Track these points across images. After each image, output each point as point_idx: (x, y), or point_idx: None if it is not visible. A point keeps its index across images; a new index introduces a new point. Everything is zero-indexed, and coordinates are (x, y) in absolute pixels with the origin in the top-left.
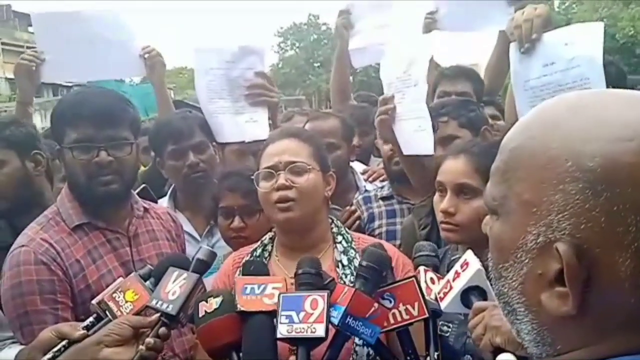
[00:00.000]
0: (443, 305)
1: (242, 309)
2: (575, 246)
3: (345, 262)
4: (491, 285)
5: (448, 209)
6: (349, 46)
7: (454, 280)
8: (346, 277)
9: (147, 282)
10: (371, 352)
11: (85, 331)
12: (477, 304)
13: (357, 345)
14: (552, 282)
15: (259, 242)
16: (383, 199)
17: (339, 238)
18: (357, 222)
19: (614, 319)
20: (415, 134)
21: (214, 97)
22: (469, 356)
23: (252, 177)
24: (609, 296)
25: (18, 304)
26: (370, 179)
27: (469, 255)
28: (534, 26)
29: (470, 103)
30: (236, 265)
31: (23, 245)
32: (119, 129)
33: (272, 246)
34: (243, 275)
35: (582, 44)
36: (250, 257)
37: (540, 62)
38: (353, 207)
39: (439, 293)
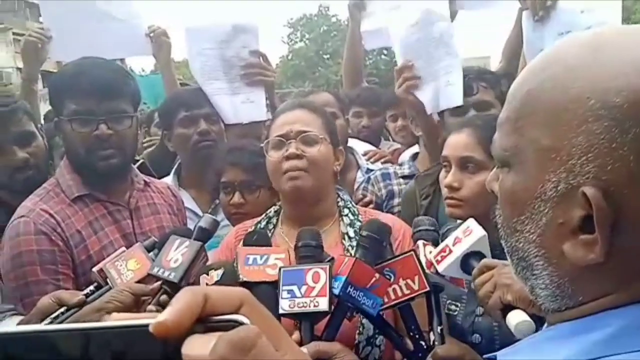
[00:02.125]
0: (441, 268)
1: (245, 279)
2: (602, 189)
3: (351, 234)
4: (503, 242)
5: (452, 184)
6: (361, 28)
7: (454, 244)
8: (353, 249)
9: (151, 253)
10: None
11: (84, 297)
12: (485, 260)
13: (363, 317)
14: (576, 230)
15: (263, 215)
16: (404, 177)
17: (345, 211)
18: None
19: (638, 264)
20: (445, 89)
21: (209, 78)
22: (477, 335)
23: (255, 151)
24: (635, 240)
25: (19, 275)
26: (372, 159)
27: (472, 223)
28: None
29: (502, 78)
30: (239, 238)
31: (22, 216)
32: (119, 102)
33: (277, 219)
34: (245, 246)
35: (599, 11)
36: (254, 229)
37: (555, 31)
38: (360, 194)
39: (435, 256)
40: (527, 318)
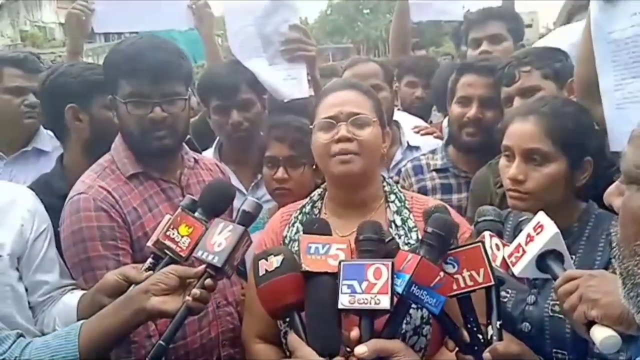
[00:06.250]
0: (517, 270)
1: (307, 269)
2: None
3: (398, 222)
4: (615, 262)
5: (517, 177)
6: None
7: (526, 244)
8: (400, 237)
9: (196, 213)
10: (425, 315)
11: (151, 273)
12: (570, 271)
13: (411, 307)
14: None
15: (307, 199)
16: (437, 170)
17: (392, 197)
18: None
19: None
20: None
21: (250, 55)
22: (527, 324)
23: (300, 127)
24: None
25: (80, 250)
26: (421, 132)
27: (542, 217)
28: None
29: (558, 52)
30: (284, 223)
31: (81, 193)
32: (174, 84)
33: (322, 203)
34: (305, 233)
35: None
36: (299, 213)
37: (627, 11)
38: (395, 178)
39: (509, 257)
40: (614, 333)
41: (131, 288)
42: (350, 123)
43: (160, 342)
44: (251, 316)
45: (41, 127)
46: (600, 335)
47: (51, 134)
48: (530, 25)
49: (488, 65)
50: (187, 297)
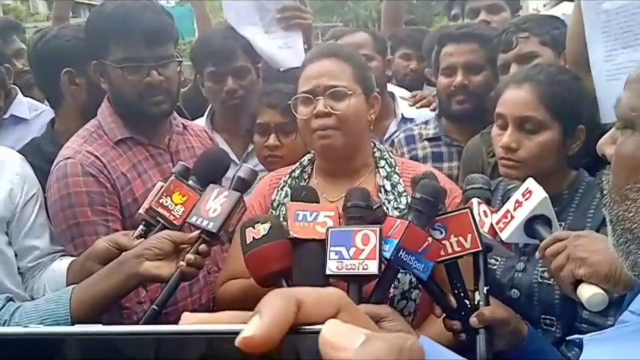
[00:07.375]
0: (504, 235)
1: (295, 235)
2: None
3: (388, 187)
4: (606, 210)
5: (510, 145)
6: None
7: (515, 209)
8: (389, 202)
9: (190, 182)
10: (413, 279)
11: (143, 240)
12: (558, 232)
13: (399, 273)
14: None
15: (297, 164)
16: (429, 139)
17: (382, 162)
18: None
19: None
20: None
21: (245, 23)
22: (516, 290)
23: (291, 94)
24: None
25: (68, 216)
26: (417, 104)
27: (531, 183)
28: None
29: (556, 20)
30: (273, 186)
31: (68, 158)
32: (167, 46)
33: (312, 168)
34: (292, 200)
35: None
36: (288, 177)
37: None
38: (389, 148)
39: (497, 223)
40: (601, 291)
41: (122, 255)
42: (328, 96)
43: (154, 306)
44: (227, 274)
45: (19, 95)
46: (587, 293)
47: (31, 101)
48: (520, 8)
49: (467, 32)
50: (181, 263)
